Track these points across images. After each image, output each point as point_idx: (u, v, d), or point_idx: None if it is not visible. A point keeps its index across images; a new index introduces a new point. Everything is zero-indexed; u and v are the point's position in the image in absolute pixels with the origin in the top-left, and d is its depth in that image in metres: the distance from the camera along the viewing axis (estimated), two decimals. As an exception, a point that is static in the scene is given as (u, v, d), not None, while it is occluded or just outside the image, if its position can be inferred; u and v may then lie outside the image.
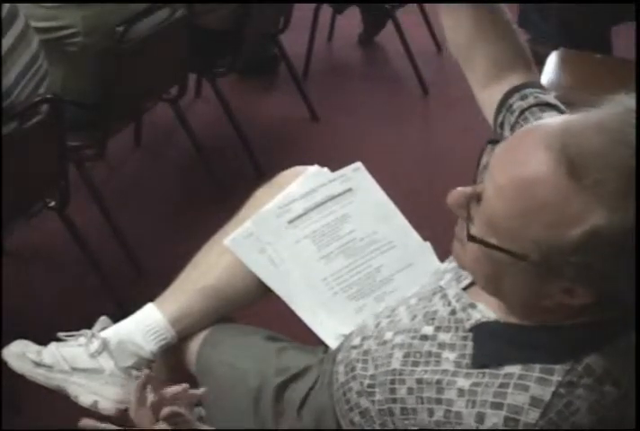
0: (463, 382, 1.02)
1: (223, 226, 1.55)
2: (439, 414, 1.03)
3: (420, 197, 2.78)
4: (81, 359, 1.48)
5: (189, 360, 1.51)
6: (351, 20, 4.00)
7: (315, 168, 1.58)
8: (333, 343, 1.42)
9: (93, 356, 1.47)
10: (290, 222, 1.51)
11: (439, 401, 1.04)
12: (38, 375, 1.50)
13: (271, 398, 1.37)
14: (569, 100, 1.19)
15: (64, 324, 1.57)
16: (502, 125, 1.19)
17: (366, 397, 1.18)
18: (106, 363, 1.47)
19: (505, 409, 0.96)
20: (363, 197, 1.57)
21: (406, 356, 1.12)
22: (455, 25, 1.22)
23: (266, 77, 3.72)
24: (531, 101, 1.17)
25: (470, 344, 1.06)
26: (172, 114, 2.83)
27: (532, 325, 1.02)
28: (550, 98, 1.18)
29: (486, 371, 1.00)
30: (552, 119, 0.97)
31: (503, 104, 1.19)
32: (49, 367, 1.49)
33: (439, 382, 1.05)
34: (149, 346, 1.48)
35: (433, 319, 1.14)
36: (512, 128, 1.16)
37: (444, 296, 1.16)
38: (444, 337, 1.10)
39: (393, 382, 1.12)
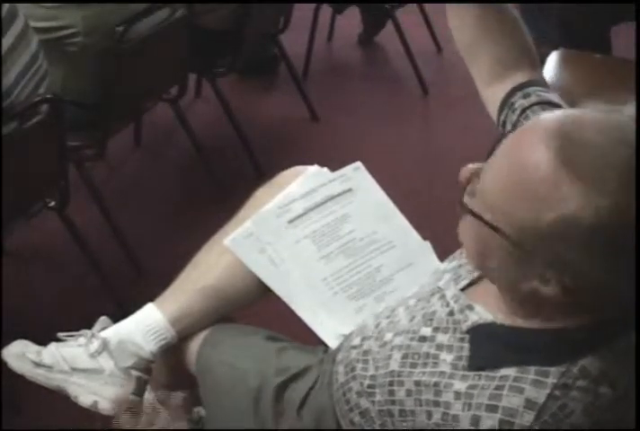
0: (460, 385, 1.02)
1: (223, 226, 1.55)
2: (437, 416, 1.03)
3: (420, 197, 2.78)
4: (81, 359, 1.48)
5: (189, 360, 1.51)
6: (351, 20, 4.00)
7: (314, 168, 1.58)
8: (333, 343, 1.42)
9: (92, 356, 1.47)
10: (290, 222, 1.51)
11: (437, 404, 1.04)
12: (38, 375, 1.50)
13: (271, 398, 1.37)
14: (569, 100, 1.19)
15: (64, 324, 1.57)
16: (504, 123, 1.20)
17: (366, 397, 1.18)
18: (106, 363, 1.47)
19: (500, 411, 0.96)
20: (363, 197, 1.57)
21: (405, 357, 1.12)
22: (461, 24, 1.23)
23: (266, 77, 3.73)
24: (533, 99, 1.17)
25: (467, 346, 1.06)
26: (172, 114, 2.83)
27: (528, 327, 1.02)
28: (553, 96, 1.19)
29: (482, 373, 1.00)
30: (557, 112, 0.99)
31: (506, 102, 1.20)
32: (49, 367, 1.49)
33: (436, 384, 1.05)
34: (149, 346, 1.48)
35: (432, 320, 1.14)
36: (514, 127, 1.17)
37: (442, 297, 1.16)
38: (442, 338, 1.10)
39: (392, 383, 1.12)
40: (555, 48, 2.66)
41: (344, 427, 1.26)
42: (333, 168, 1.60)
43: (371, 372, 1.18)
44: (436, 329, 1.12)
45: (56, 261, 2.58)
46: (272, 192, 1.55)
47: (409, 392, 1.09)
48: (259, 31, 3.10)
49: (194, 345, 1.50)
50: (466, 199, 0.98)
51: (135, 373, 1.48)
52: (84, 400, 1.48)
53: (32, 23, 1.98)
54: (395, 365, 1.13)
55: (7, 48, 1.82)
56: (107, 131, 2.38)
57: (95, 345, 1.47)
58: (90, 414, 1.50)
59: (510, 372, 0.98)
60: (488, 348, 1.04)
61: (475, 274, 1.16)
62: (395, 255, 1.53)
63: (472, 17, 1.21)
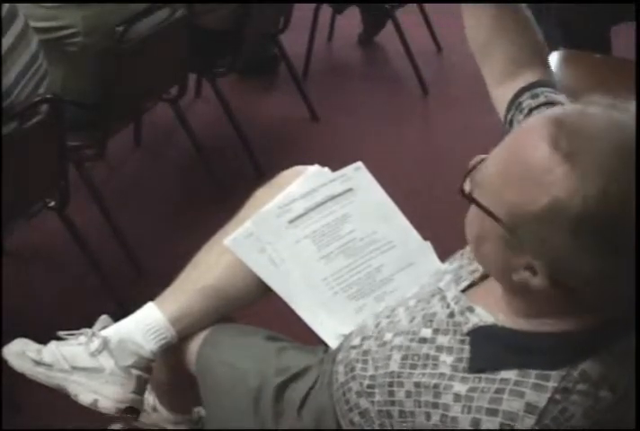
0: (459, 387, 1.02)
1: (223, 226, 1.55)
2: (435, 418, 1.03)
3: (420, 196, 2.78)
4: (81, 358, 1.48)
5: (189, 360, 1.51)
6: (351, 20, 4.00)
7: (315, 168, 1.58)
8: (333, 343, 1.42)
9: (93, 354, 1.47)
10: (290, 222, 1.51)
11: (435, 406, 1.04)
12: (38, 374, 1.50)
13: (271, 398, 1.37)
14: (570, 99, 1.20)
15: (64, 324, 1.57)
16: (511, 122, 1.20)
17: (365, 397, 1.18)
18: (106, 362, 1.47)
19: (500, 415, 0.96)
20: (363, 197, 1.57)
21: (404, 358, 1.12)
22: (477, 24, 1.24)
23: (266, 77, 3.73)
24: (541, 100, 1.18)
25: (467, 348, 1.06)
26: (172, 114, 2.83)
27: (529, 330, 1.02)
28: (561, 98, 1.19)
29: (482, 376, 1.00)
30: (559, 107, 1.01)
31: (514, 102, 1.21)
32: (49, 366, 1.49)
33: (436, 386, 1.05)
34: (149, 345, 1.48)
35: (432, 321, 1.14)
36: None
37: (443, 298, 1.16)
38: (442, 340, 1.10)
39: (391, 384, 1.12)
40: (555, 48, 2.66)
41: (344, 427, 1.26)
42: (334, 168, 1.60)
43: (371, 372, 1.18)
44: (436, 331, 1.12)
45: (56, 261, 2.58)
46: (273, 192, 1.55)
47: (409, 394, 1.09)
48: (259, 31, 3.10)
49: (194, 344, 1.50)
50: (467, 185, 1.00)
51: (135, 372, 1.48)
52: (85, 398, 1.48)
53: (32, 23, 1.98)
54: (394, 366, 1.13)
55: (7, 48, 1.82)
56: (107, 131, 2.38)
57: (96, 344, 1.47)
58: (90, 413, 1.50)
59: (510, 375, 0.98)
60: (488, 351, 1.04)
61: (477, 275, 1.16)
62: (395, 255, 1.53)
63: (488, 17, 1.22)
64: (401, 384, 1.10)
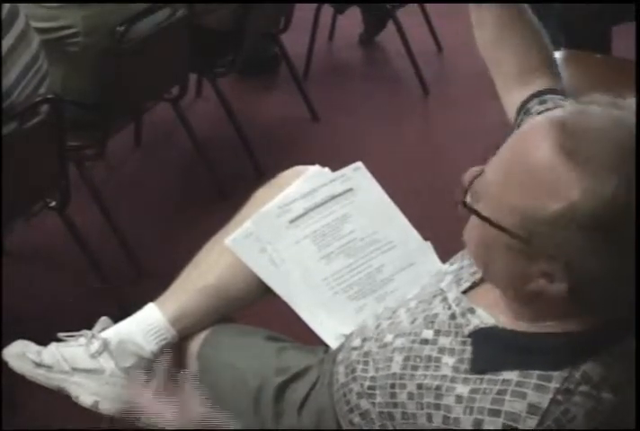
0: (461, 389, 1.01)
1: (223, 226, 1.55)
2: (437, 420, 1.03)
3: (420, 196, 2.78)
4: (81, 359, 1.48)
5: (189, 360, 1.51)
6: (352, 20, 4.00)
7: (315, 168, 1.58)
8: (333, 343, 1.42)
9: (93, 356, 1.47)
10: (291, 222, 1.51)
11: (437, 407, 1.03)
12: (38, 375, 1.50)
13: (271, 398, 1.37)
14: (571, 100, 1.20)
15: (64, 324, 1.57)
16: (519, 126, 1.20)
17: (366, 398, 1.18)
18: (106, 363, 1.47)
19: (503, 416, 0.95)
20: (364, 197, 1.57)
21: (406, 359, 1.12)
22: (484, 23, 1.24)
23: (266, 77, 3.73)
24: (549, 105, 1.18)
25: (469, 349, 1.06)
26: (172, 114, 2.83)
27: (530, 331, 1.02)
28: (568, 103, 1.19)
29: (484, 377, 1.00)
30: (559, 109, 1.00)
31: (523, 107, 1.21)
32: (49, 367, 1.49)
33: (438, 388, 1.05)
34: (150, 346, 1.48)
35: (433, 322, 1.14)
36: None
37: (444, 300, 1.16)
38: (444, 341, 1.09)
39: (393, 386, 1.12)
40: (555, 48, 2.66)
41: (344, 428, 1.26)
42: (334, 168, 1.59)
43: (371, 373, 1.18)
44: (438, 332, 1.11)
45: (56, 261, 2.58)
46: (273, 192, 1.54)
47: (411, 395, 1.08)
48: (259, 31, 3.10)
49: (194, 345, 1.50)
50: (469, 200, 0.98)
51: (135, 373, 1.48)
52: (85, 400, 1.48)
53: (33, 24, 1.98)
54: (396, 368, 1.13)
55: (8, 49, 1.82)
56: (107, 131, 2.38)
57: (96, 345, 1.47)
58: (91, 414, 1.50)
59: (512, 376, 0.97)
60: (490, 352, 1.03)
61: (477, 276, 1.16)
62: (395, 255, 1.53)
63: (495, 17, 1.22)
64: (403, 386, 1.10)
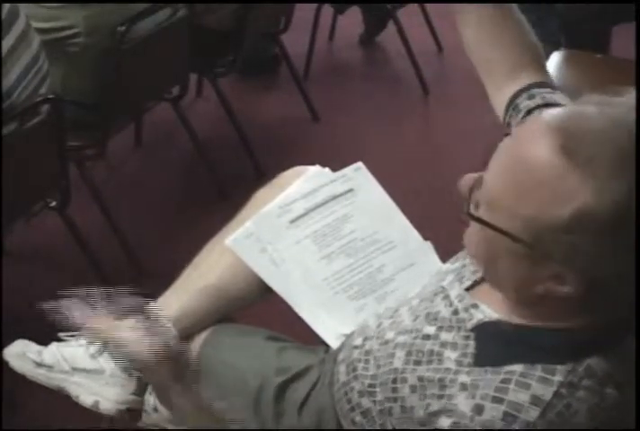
0: (465, 378, 1.01)
1: (224, 226, 1.55)
2: (434, 408, 1.02)
3: (420, 196, 2.78)
4: (82, 359, 1.48)
5: (190, 360, 1.51)
6: (352, 20, 4.00)
7: (316, 168, 1.58)
8: (334, 343, 1.42)
9: (93, 356, 1.47)
10: (291, 222, 1.51)
11: (441, 397, 1.03)
12: (38, 375, 1.50)
13: (271, 398, 1.37)
14: (571, 99, 1.20)
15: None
16: (509, 124, 1.20)
17: (367, 397, 1.18)
18: (107, 363, 1.47)
19: (505, 404, 0.95)
20: (364, 197, 1.57)
21: (408, 354, 1.12)
22: (470, 23, 1.24)
23: (267, 77, 3.73)
24: (538, 101, 1.18)
25: (472, 343, 1.05)
26: (172, 114, 2.83)
27: (534, 325, 1.02)
28: (559, 97, 1.19)
29: (489, 369, 1.00)
30: (556, 108, 0.99)
31: (511, 103, 1.21)
32: (50, 367, 1.49)
33: (441, 379, 1.04)
34: (150, 346, 1.48)
35: (435, 319, 1.14)
36: None
37: (446, 297, 1.16)
38: (446, 336, 1.09)
39: (395, 381, 1.12)
40: (555, 48, 2.66)
41: (345, 427, 1.26)
42: (334, 168, 1.59)
43: (372, 371, 1.18)
44: (440, 328, 1.11)
45: (56, 261, 2.58)
46: (273, 192, 1.54)
47: (413, 388, 1.08)
48: (259, 31, 3.10)
49: (195, 345, 1.50)
50: (472, 209, 0.97)
51: (135, 373, 1.48)
52: (85, 399, 1.48)
53: (34, 24, 1.98)
54: (398, 363, 1.13)
55: (8, 49, 1.82)
56: (107, 131, 2.38)
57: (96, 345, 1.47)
58: (91, 414, 1.50)
59: (516, 368, 0.97)
60: (493, 346, 1.03)
61: (479, 274, 1.16)
62: (396, 255, 1.53)
63: (482, 17, 1.22)
64: (404, 380, 1.10)
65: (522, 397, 0.95)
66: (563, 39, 2.93)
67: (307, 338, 1.47)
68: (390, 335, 1.19)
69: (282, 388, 1.37)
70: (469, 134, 3.07)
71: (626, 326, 0.99)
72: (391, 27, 3.72)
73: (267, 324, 1.54)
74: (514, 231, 0.92)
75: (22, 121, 1.87)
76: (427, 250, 1.56)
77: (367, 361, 1.21)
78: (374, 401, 1.16)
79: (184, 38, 2.55)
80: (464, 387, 1.00)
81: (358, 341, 1.27)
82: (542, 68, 1.25)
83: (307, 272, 1.49)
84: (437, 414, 1.00)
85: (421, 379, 1.07)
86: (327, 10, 3.76)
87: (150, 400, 1.70)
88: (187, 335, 1.50)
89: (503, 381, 0.97)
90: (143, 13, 2.26)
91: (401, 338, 1.16)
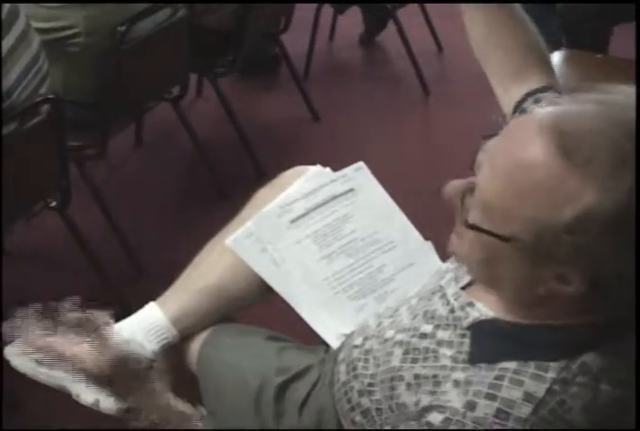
0: (459, 375, 1.01)
1: (224, 226, 1.55)
2: (424, 403, 1.02)
3: (420, 196, 2.77)
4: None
5: (190, 360, 1.51)
6: (352, 20, 4.00)
7: (316, 168, 1.58)
8: (334, 343, 1.42)
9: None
10: (292, 222, 1.51)
11: (433, 393, 1.03)
12: (39, 374, 1.50)
13: (271, 398, 1.37)
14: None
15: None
16: None
17: (367, 396, 1.18)
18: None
19: (499, 401, 0.95)
20: (365, 197, 1.57)
21: (406, 353, 1.13)
22: (476, 23, 1.24)
23: (267, 77, 3.73)
24: (544, 105, 1.17)
25: (467, 341, 1.06)
26: (172, 114, 2.83)
27: (530, 323, 1.02)
28: (564, 100, 1.19)
29: (483, 365, 1.00)
30: (547, 107, 0.98)
31: (517, 108, 1.21)
32: (51, 366, 1.49)
33: (435, 376, 1.05)
34: (151, 345, 1.48)
35: (432, 318, 1.14)
36: None
37: (443, 296, 1.16)
38: (443, 334, 1.10)
39: (393, 379, 1.12)
40: (555, 48, 2.67)
41: (346, 427, 1.26)
42: (334, 168, 1.59)
43: (372, 370, 1.18)
44: (437, 327, 1.12)
45: (56, 261, 2.58)
46: (274, 192, 1.54)
47: (409, 386, 1.09)
48: (259, 31, 3.10)
49: (195, 345, 1.50)
50: (469, 216, 0.96)
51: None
52: (86, 398, 1.48)
53: (34, 24, 1.98)
54: (396, 361, 1.13)
55: (8, 49, 1.82)
56: (108, 131, 2.38)
57: (97, 344, 1.47)
58: (91, 413, 1.50)
59: (509, 365, 0.97)
60: (488, 343, 1.03)
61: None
62: (396, 255, 1.53)
63: (488, 16, 1.22)
64: (401, 378, 1.11)
65: (515, 394, 0.95)
66: (563, 39, 2.94)
67: (308, 338, 1.47)
68: (390, 333, 1.20)
69: (282, 388, 1.37)
70: (469, 134, 3.06)
71: (626, 325, 0.99)
72: (391, 27, 3.72)
73: (267, 324, 1.54)
74: (514, 234, 0.91)
75: (22, 121, 1.87)
76: (427, 250, 1.56)
77: (366, 360, 1.21)
78: (373, 401, 1.17)
79: (184, 38, 2.55)
80: (457, 383, 1.00)
81: (358, 341, 1.27)
82: (548, 68, 1.26)
83: (308, 272, 1.49)
84: (428, 409, 1.00)
85: (417, 377, 1.08)
86: (327, 10, 3.76)
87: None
88: (187, 335, 1.50)
89: (497, 377, 0.97)
90: (143, 13, 2.26)
91: (399, 337, 1.17)
